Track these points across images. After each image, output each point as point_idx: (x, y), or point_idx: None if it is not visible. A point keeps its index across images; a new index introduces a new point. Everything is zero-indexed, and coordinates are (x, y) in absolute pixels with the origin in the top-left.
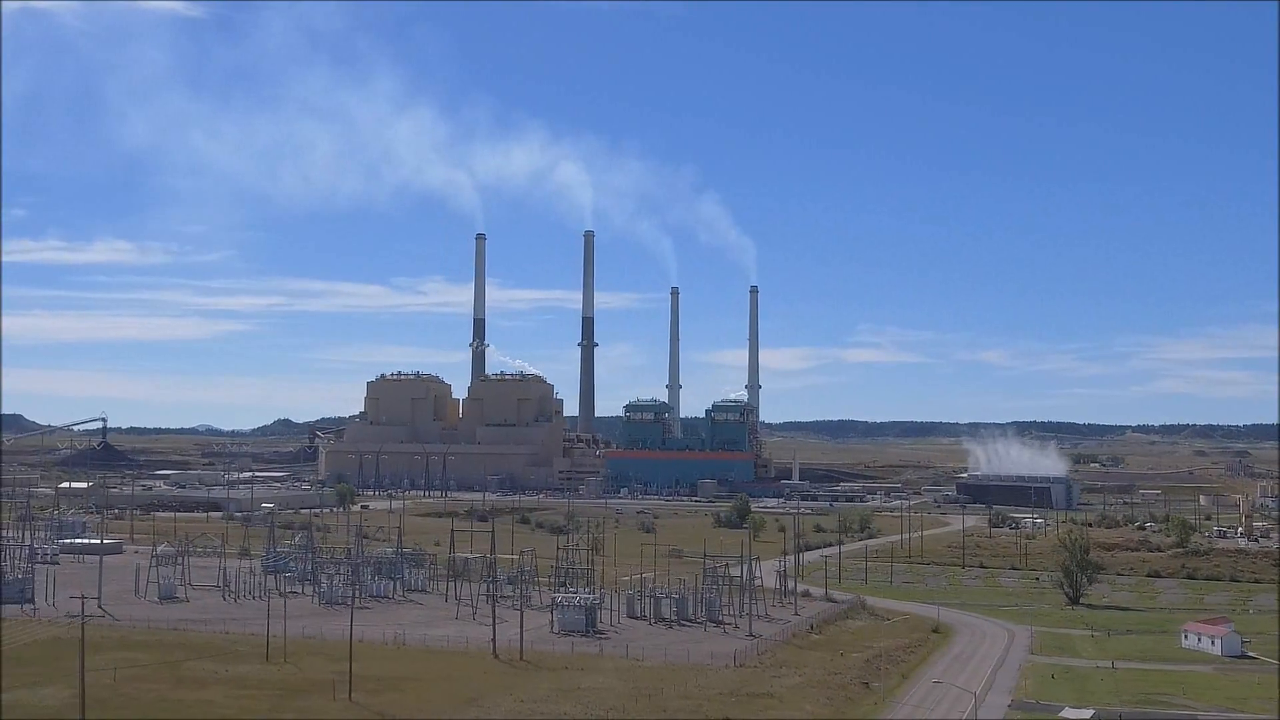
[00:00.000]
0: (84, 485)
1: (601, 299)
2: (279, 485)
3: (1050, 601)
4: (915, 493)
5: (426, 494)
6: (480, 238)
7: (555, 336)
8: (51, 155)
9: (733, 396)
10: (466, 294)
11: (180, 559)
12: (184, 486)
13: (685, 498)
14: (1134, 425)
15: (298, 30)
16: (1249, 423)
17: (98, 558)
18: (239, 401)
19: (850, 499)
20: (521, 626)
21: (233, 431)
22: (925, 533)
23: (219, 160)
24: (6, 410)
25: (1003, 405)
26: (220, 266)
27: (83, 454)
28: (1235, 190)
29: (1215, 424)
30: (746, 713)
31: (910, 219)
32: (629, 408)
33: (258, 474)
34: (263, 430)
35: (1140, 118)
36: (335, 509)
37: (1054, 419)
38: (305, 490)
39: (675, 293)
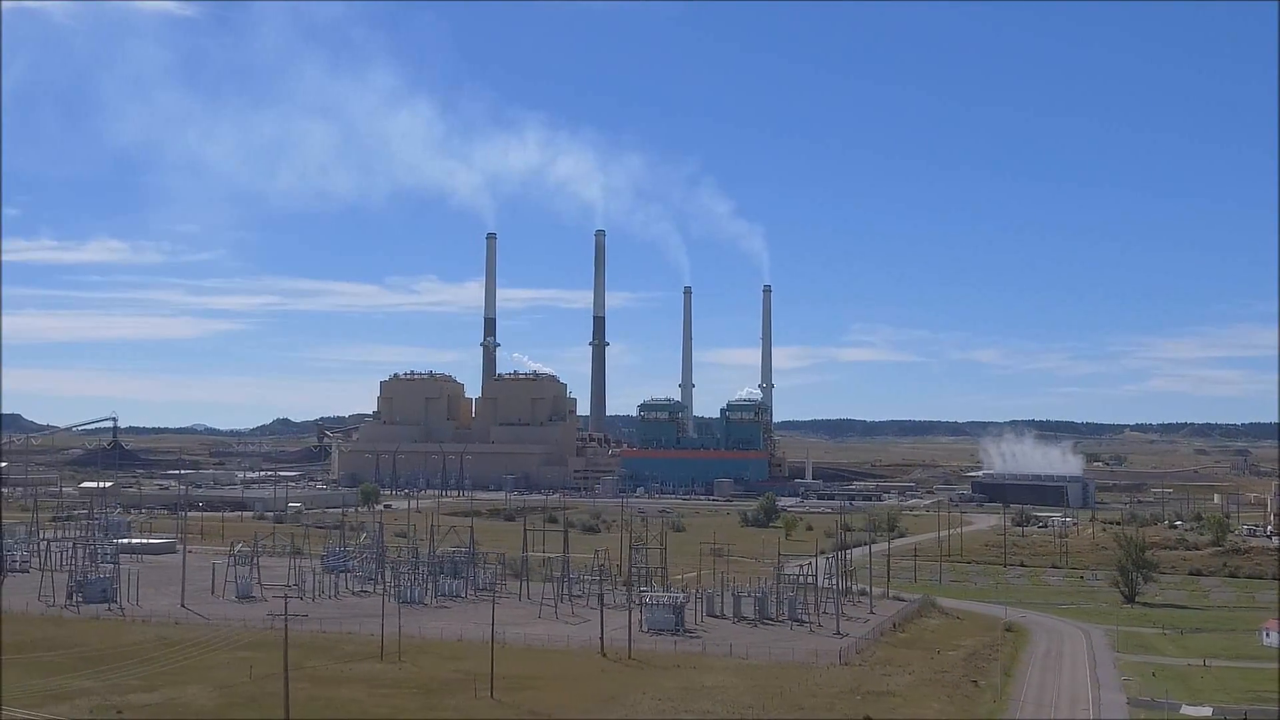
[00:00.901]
0: (107, 485)
1: (592, 298)
2: (293, 485)
3: (1105, 600)
4: (928, 491)
5: (444, 493)
6: (491, 237)
7: (549, 335)
8: (44, 154)
9: (744, 394)
10: (460, 293)
11: (254, 558)
12: (201, 486)
13: (702, 497)
14: (1132, 424)
15: (291, 27)
16: (1246, 421)
17: (156, 557)
18: (234, 401)
19: (867, 498)
20: (630, 626)
21: (231, 431)
22: (953, 532)
23: (212, 159)
24: (5, 410)
25: (996, 404)
26: (213, 266)
27: (94, 453)
28: (1227, 190)
29: (1213, 423)
30: (879, 711)
31: (902, 217)
32: (643, 407)
33: (269, 474)
34: (262, 430)
35: (1133, 116)
36: (360, 508)
37: (1047, 418)
38: (321, 490)
39: (688, 292)
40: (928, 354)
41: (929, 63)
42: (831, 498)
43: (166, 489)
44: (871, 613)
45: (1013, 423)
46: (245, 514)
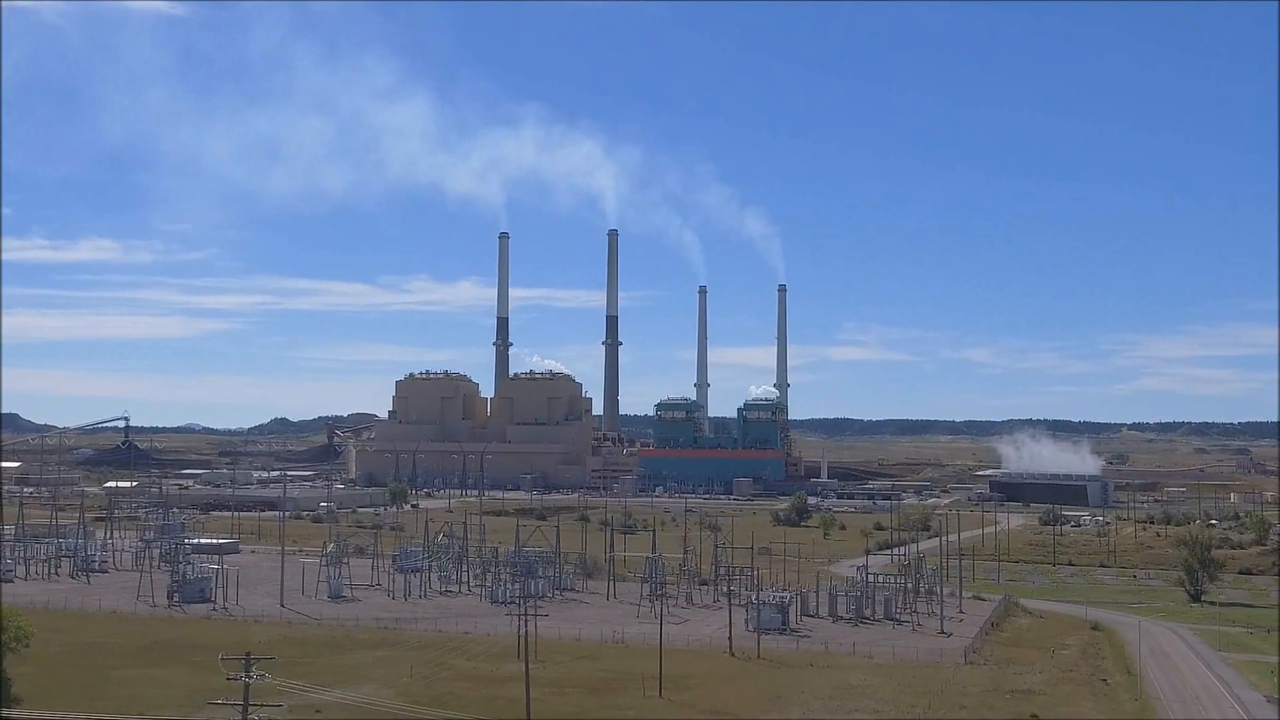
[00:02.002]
0: (132, 484)
1: (587, 296)
2: (308, 484)
3: (1170, 599)
4: (943, 491)
5: (464, 493)
6: (503, 236)
7: (543, 333)
8: (36, 153)
9: (760, 393)
10: (453, 292)
11: (340, 558)
12: (218, 486)
13: (722, 496)
14: (1129, 423)
15: (283, 24)
16: (1240, 420)
17: (222, 556)
18: (230, 400)
19: (886, 497)
20: (759, 625)
21: (228, 430)
22: (994, 530)
23: (205, 158)
24: (3, 410)
25: (990, 403)
26: (206, 265)
27: (104, 453)
28: (1219, 189)
29: (1209, 421)
30: (1034, 710)
31: (895, 215)
32: (660, 406)
33: (284, 473)
34: (260, 429)
35: (1126, 116)
36: (389, 508)
37: (1041, 416)
38: (340, 489)
39: (703, 291)
40: (920, 353)
41: (923, 62)
42: (851, 497)
43: (186, 489)
44: (961, 612)
45: (1010, 421)
46: (280, 514)
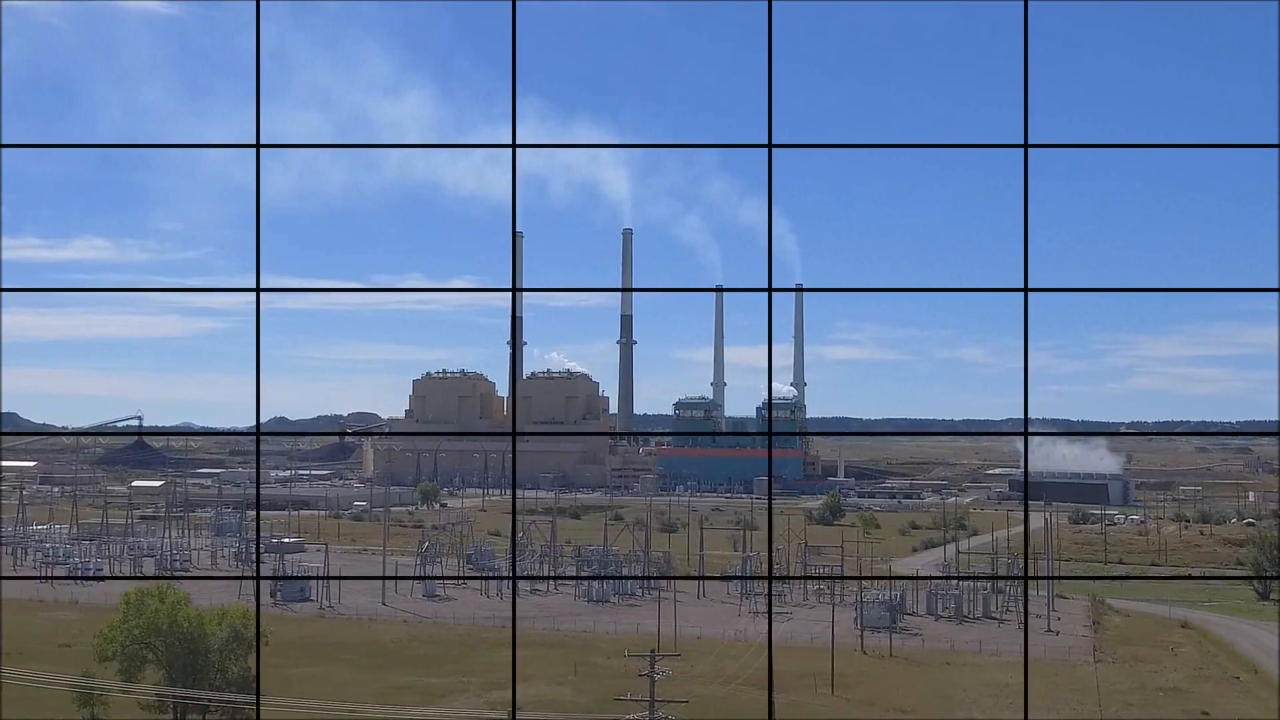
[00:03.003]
0: (157, 484)
1: (584, 294)
2: (327, 483)
3: (1238, 597)
4: (959, 490)
5: (485, 493)
6: (519, 235)
7: (542, 332)
8: (28, 152)
9: (778, 393)
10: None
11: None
12: (239, 485)
13: (742, 495)
14: (1126, 422)
15: (283, 22)
16: (1240, 419)
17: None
18: (227, 399)
19: (908, 496)
20: (893, 626)
21: (229, 429)
22: (1024, 529)
23: (200, 156)
24: (4, 409)
25: (985, 402)
26: (201, 264)
27: (116, 453)
28: (1214, 189)
29: (1208, 420)
30: (1214, 710)
31: (890, 214)
32: (679, 405)
33: (299, 472)
34: (261, 428)
35: (1124, 115)
36: (420, 506)
37: (1035, 415)
38: (359, 488)
39: (719, 290)
40: (914, 352)
41: (911, 57)
42: (871, 495)
43: (207, 488)
44: (1053, 610)
45: (1009, 420)
46: (318, 513)
